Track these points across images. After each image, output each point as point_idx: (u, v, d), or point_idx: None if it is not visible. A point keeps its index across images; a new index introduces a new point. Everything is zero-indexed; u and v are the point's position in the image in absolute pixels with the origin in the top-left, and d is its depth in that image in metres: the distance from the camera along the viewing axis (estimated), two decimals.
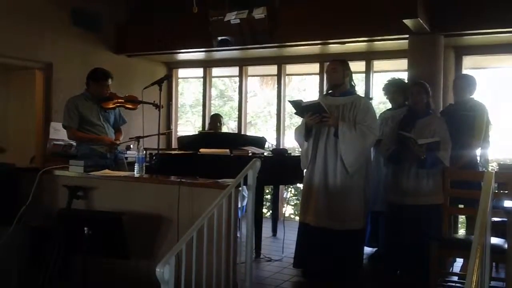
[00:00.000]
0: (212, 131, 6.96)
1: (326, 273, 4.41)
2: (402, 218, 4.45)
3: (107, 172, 4.34)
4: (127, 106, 5.08)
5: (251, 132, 9.30)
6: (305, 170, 4.73)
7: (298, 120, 5.30)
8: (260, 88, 10.48)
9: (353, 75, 4.69)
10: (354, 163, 4.26)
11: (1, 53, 6.26)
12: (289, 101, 4.64)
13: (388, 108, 5.42)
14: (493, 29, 5.59)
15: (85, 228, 3.53)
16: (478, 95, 4.93)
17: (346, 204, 4.29)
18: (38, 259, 4.01)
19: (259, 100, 10.82)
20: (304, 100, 4.48)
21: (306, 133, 4.43)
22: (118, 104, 5.03)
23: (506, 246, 3.25)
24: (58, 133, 5.92)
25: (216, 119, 7.07)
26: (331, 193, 4.31)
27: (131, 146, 6.10)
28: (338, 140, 4.27)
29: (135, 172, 4.17)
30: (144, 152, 4.34)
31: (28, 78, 7.03)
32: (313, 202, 4.39)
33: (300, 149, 4.79)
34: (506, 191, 4.09)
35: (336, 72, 4.47)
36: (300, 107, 4.39)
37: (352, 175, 4.29)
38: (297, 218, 8.17)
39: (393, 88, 5.23)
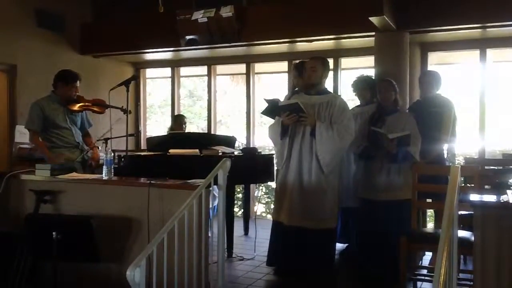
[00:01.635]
0: (180, 131, 6.91)
1: (299, 271, 4.43)
2: (374, 214, 4.50)
3: (74, 175, 4.27)
4: (94, 109, 5.00)
5: (222, 131, 9.27)
6: (276, 168, 4.73)
7: (268, 119, 5.30)
8: (231, 86, 10.44)
9: None
10: (330, 163, 4.27)
11: None
12: (265, 99, 4.62)
13: (357, 105, 5.47)
14: (457, 26, 5.71)
15: (54, 233, 3.46)
16: (443, 91, 5.03)
17: (321, 204, 4.29)
18: (6, 265, 3.92)
19: (229, 98, 10.78)
20: (278, 99, 4.47)
21: (282, 132, 4.40)
22: (85, 107, 4.95)
23: (473, 238, 3.31)
24: (24, 136, 5.79)
25: (180, 120, 7.02)
26: (305, 192, 4.31)
27: (99, 148, 6.02)
28: (315, 140, 4.26)
29: (103, 174, 4.12)
30: (112, 154, 4.28)
31: None
32: (287, 201, 4.38)
33: (273, 147, 4.78)
34: (472, 185, 4.18)
35: (316, 71, 4.43)
36: (277, 106, 4.36)
37: (327, 175, 4.29)
38: (268, 216, 8.19)
39: (362, 85, 5.29)
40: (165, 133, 7.02)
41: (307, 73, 4.49)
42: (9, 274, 3.82)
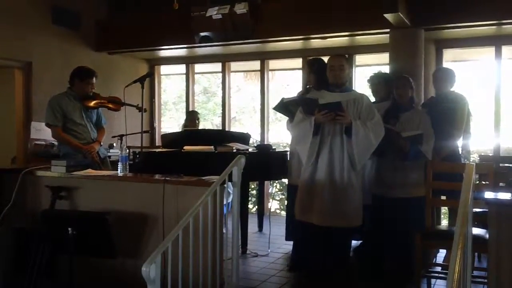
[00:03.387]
0: (194, 128, 6.94)
1: (327, 269, 4.34)
2: (386, 211, 4.49)
3: (90, 171, 4.31)
4: (109, 106, 5.04)
5: (236, 127, 9.30)
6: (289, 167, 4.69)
7: (281, 115, 5.30)
8: (244, 82, 10.47)
9: None
10: (362, 160, 4.19)
11: None
12: (304, 97, 4.56)
13: (372, 101, 5.43)
14: (473, 22, 5.67)
15: (70, 229, 3.50)
16: (458, 88, 5.00)
17: (352, 201, 4.20)
18: (23, 260, 3.97)
19: (243, 95, 10.81)
20: (317, 98, 4.40)
21: (315, 130, 4.24)
22: (100, 104, 4.99)
23: (487, 236, 3.30)
24: (39, 133, 5.87)
25: (193, 116, 7.04)
26: (337, 191, 4.19)
27: (114, 144, 6.08)
28: (347, 138, 4.16)
29: (119, 171, 4.15)
30: (128, 150, 4.32)
31: (8, 78, 6.95)
32: (318, 201, 4.24)
33: (288, 144, 4.70)
34: (487, 182, 4.15)
35: (343, 70, 4.31)
36: (314, 105, 4.26)
37: (358, 172, 4.23)
38: (283, 213, 8.19)
39: (377, 81, 5.25)
40: (180, 130, 7.06)
41: (334, 72, 4.33)
42: (26, 269, 3.87)
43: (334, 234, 4.18)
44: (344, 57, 4.49)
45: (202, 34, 6.75)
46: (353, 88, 6.92)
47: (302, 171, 4.42)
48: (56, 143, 5.43)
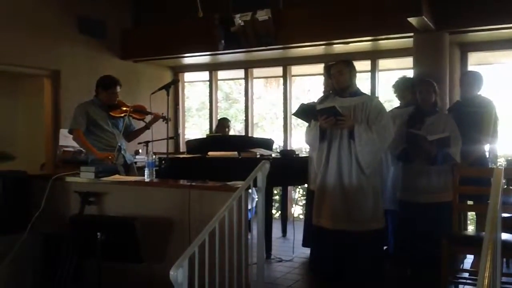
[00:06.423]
0: (219, 134, 6.98)
1: (343, 275, 4.34)
2: (414, 217, 4.45)
3: (117, 177, 4.38)
4: (133, 116, 5.10)
5: (258, 133, 9.32)
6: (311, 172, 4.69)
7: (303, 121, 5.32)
8: (264, 89, 10.51)
9: (358, 74, 4.60)
10: (371, 164, 4.20)
11: (10, 62, 6.36)
12: (302, 104, 4.60)
13: (396, 106, 5.41)
14: (497, 25, 5.60)
15: (98, 233, 3.56)
16: (484, 91, 4.94)
17: (364, 205, 4.21)
18: (52, 265, 4.05)
19: (263, 102, 10.84)
20: (315, 103, 4.45)
21: (320, 135, 4.33)
22: (125, 113, 5.06)
23: None
24: (68, 139, 5.96)
25: (223, 123, 7.07)
26: (347, 194, 4.23)
27: (140, 150, 6.17)
28: (354, 142, 4.19)
29: (146, 176, 4.21)
30: (154, 156, 4.38)
31: (37, 86, 7.12)
32: (328, 205, 4.29)
33: (308, 150, 4.75)
34: None
35: (342, 74, 4.36)
36: (314, 110, 4.34)
37: (369, 176, 4.24)
38: None
39: (403, 86, 5.22)
40: (204, 136, 7.10)
41: (334, 78, 4.41)
42: (55, 274, 3.94)
43: (350, 238, 4.18)
44: (343, 62, 4.47)
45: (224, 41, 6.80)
46: (377, 93, 6.94)
47: (316, 177, 4.46)
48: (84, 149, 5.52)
